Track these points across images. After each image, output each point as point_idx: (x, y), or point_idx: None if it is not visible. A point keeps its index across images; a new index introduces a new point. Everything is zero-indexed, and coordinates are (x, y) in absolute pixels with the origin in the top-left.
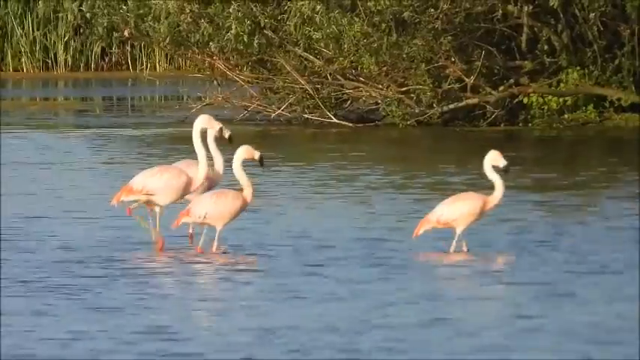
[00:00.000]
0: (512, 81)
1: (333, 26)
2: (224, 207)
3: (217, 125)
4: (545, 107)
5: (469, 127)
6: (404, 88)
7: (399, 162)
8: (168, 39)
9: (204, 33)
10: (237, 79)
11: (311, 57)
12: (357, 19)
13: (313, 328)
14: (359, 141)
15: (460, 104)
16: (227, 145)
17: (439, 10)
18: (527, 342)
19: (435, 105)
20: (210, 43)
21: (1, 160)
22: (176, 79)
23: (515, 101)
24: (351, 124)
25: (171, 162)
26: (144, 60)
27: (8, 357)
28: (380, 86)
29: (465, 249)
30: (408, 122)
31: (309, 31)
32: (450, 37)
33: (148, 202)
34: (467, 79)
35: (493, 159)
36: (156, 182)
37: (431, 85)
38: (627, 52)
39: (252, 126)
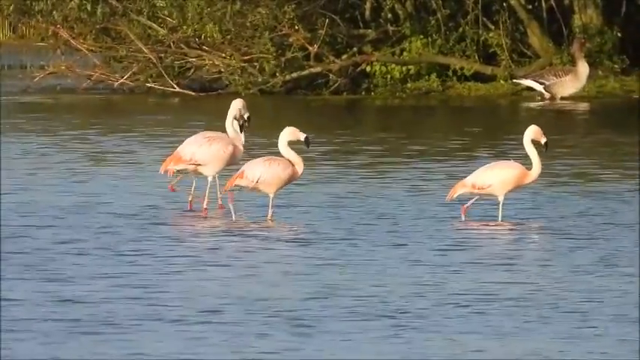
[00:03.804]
0: (355, 49)
1: None
2: (276, 172)
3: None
4: (388, 76)
5: (312, 95)
6: (247, 57)
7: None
8: (11, 7)
9: (48, 1)
10: (80, 47)
11: (155, 25)
12: None
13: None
14: (200, 110)
15: (303, 73)
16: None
17: None
18: None
19: (277, 74)
20: (54, 12)
21: None
22: (19, 48)
23: (358, 70)
24: (193, 93)
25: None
26: None
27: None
28: (223, 55)
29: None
30: (251, 91)
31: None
32: (293, 6)
33: (195, 172)
34: (310, 48)
35: (534, 134)
36: (205, 152)
37: (274, 54)
38: (471, 21)
39: (95, 95)
